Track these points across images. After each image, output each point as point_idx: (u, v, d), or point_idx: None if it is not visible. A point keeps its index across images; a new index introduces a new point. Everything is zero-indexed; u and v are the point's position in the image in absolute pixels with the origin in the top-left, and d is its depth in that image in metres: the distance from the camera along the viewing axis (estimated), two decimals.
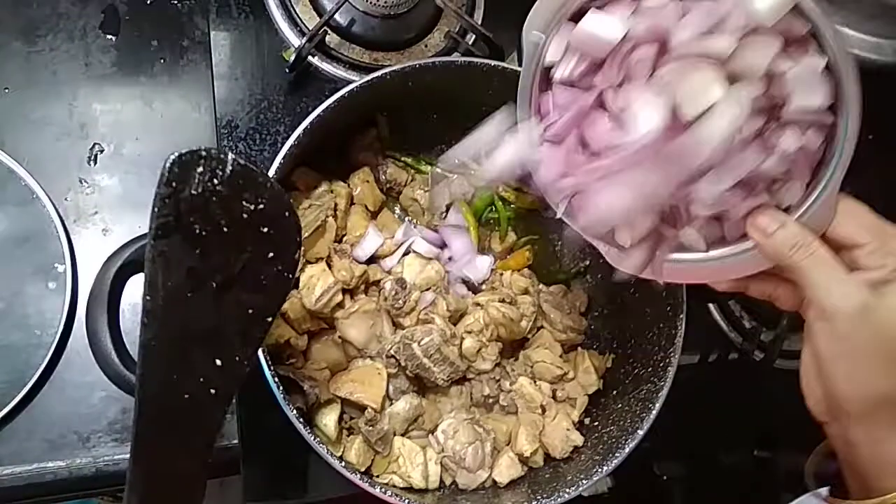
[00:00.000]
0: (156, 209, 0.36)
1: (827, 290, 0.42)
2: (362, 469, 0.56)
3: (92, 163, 0.69)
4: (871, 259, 0.42)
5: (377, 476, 0.57)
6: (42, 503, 0.63)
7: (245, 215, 0.37)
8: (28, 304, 0.63)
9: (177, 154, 0.36)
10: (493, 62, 0.60)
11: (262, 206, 0.37)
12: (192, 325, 0.37)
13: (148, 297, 0.36)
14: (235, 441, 0.62)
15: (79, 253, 0.65)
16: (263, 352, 0.49)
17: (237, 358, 0.38)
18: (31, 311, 0.63)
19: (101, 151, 0.69)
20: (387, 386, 0.57)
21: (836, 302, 0.41)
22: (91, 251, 0.66)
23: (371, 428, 0.55)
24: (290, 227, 0.39)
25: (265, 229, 0.38)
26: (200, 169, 0.36)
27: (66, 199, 0.67)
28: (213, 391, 0.38)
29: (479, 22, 0.76)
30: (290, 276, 0.40)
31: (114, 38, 0.72)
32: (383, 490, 0.50)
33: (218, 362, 0.38)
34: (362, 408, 0.56)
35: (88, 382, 0.63)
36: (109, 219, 0.67)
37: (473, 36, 0.75)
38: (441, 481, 0.59)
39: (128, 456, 0.60)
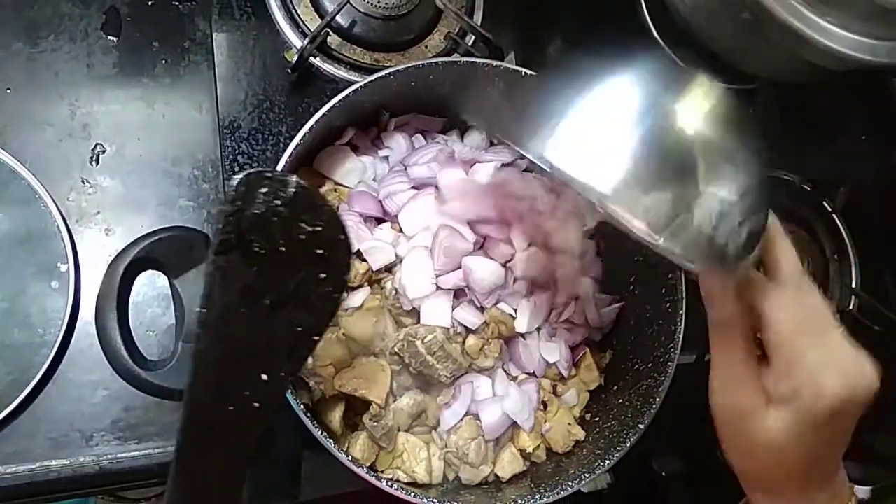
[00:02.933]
0: (219, 226, 0.37)
1: (717, 377, 0.44)
2: (367, 465, 0.56)
3: (94, 163, 0.69)
4: (775, 374, 0.42)
5: (382, 472, 0.58)
6: (45, 501, 0.63)
7: (302, 236, 0.38)
8: (31, 304, 0.63)
9: (243, 173, 0.36)
10: (494, 62, 0.61)
11: (318, 228, 0.38)
12: (243, 340, 0.38)
13: (204, 310, 0.37)
14: None
15: (81, 253, 0.65)
16: None
17: (282, 374, 0.40)
18: (34, 311, 0.63)
19: (104, 152, 0.69)
20: (391, 383, 0.58)
21: (716, 391, 0.44)
22: (94, 251, 0.66)
23: (376, 424, 0.56)
24: (344, 249, 0.40)
25: (320, 251, 0.39)
26: (265, 189, 0.37)
27: (68, 200, 0.67)
28: (256, 404, 0.39)
29: (479, 23, 0.77)
30: (340, 296, 0.41)
31: (115, 40, 0.72)
32: (389, 484, 0.51)
33: (264, 377, 0.39)
34: (367, 404, 0.57)
35: (91, 381, 0.63)
36: (112, 219, 0.67)
37: (473, 37, 0.76)
38: (444, 476, 0.59)
39: (130, 454, 0.62)
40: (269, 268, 0.38)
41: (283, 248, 0.38)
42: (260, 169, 0.37)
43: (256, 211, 0.36)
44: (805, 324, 0.42)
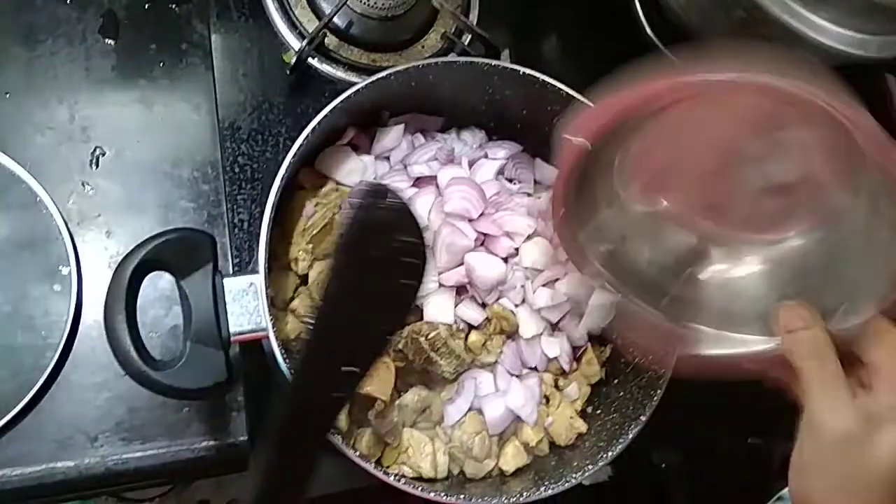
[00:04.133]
0: (346, 228, 0.42)
1: (820, 404, 0.42)
2: (373, 460, 0.57)
3: (94, 166, 0.69)
4: (882, 392, 0.41)
5: (387, 467, 0.59)
6: (51, 503, 0.63)
7: (398, 245, 0.41)
8: (34, 307, 0.63)
9: (368, 184, 0.44)
10: (493, 61, 0.61)
11: (412, 238, 0.42)
12: (342, 334, 0.42)
13: (321, 303, 0.41)
14: (244, 437, 0.63)
15: (83, 255, 0.65)
16: (279, 346, 0.51)
17: (359, 370, 0.42)
18: (37, 314, 0.63)
19: (103, 154, 0.69)
20: (395, 379, 0.58)
21: (824, 418, 0.41)
22: (95, 253, 0.66)
23: (381, 420, 0.57)
24: (425, 258, 0.43)
25: (408, 259, 0.42)
26: (384, 200, 0.41)
27: (68, 203, 0.67)
28: (336, 395, 0.42)
29: (475, 22, 0.78)
30: (413, 300, 0.46)
31: (113, 43, 0.72)
32: (396, 479, 0.52)
33: (348, 370, 0.42)
34: (372, 400, 0.57)
35: (95, 383, 0.63)
36: (113, 221, 0.68)
37: (469, 36, 0.76)
38: (449, 471, 0.60)
39: (136, 455, 0.63)
40: (372, 270, 0.42)
41: (384, 254, 0.41)
42: (379, 182, 0.45)
43: (374, 218, 0.41)
44: None
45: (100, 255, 0.66)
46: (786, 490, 0.69)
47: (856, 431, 0.40)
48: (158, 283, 0.65)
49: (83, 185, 0.68)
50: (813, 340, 0.43)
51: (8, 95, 0.68)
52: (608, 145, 0.48)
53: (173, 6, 0.74)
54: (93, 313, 0.64)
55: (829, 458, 0.42)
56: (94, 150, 0.69)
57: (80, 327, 0.63)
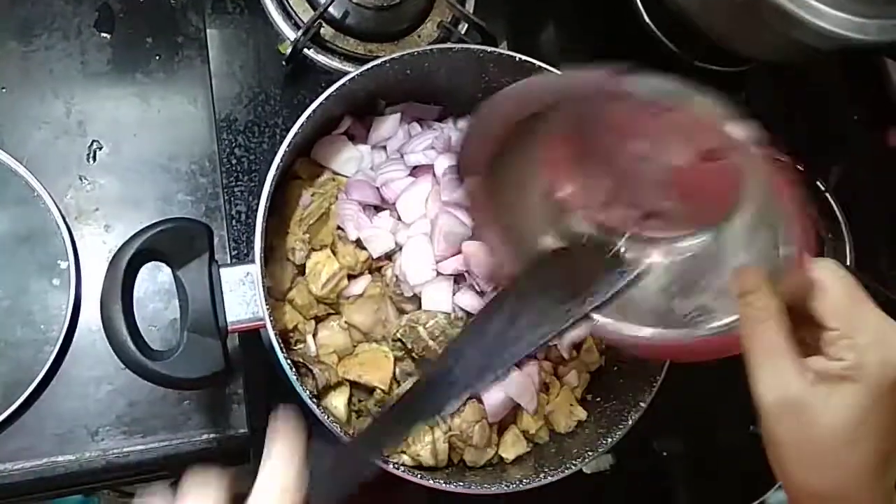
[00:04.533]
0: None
1: (759, 374, 0.39)
2: None
3: (91, 160, 0.69)
4: (831, 348, 0.38)
5: (387, 455, 0.58)
6: (53, 496, 0.64)
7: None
8: (32, 302, 0.63)
9: None
10: (488, 49, 0.61)
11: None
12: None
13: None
14: (244, 430, 0.63)
15: (81, 249, 0.65)
16: (276, 337, 0.51)
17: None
18: (36, 308, 0.63)
19: (100, 149, 0.69)
20: (394, 368, 0.58)
21: (762, 391, 0.38)
22: (93, 247, 0.66)
23: (380, 409, 0.57)
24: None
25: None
26: None
27: (66, 197, 0.67)
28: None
29: (471, 11, 0.77)
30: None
31: (109, 36, 0.72)
32: (396, 467, 0.51)
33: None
34: (371, 390, 0.57)
35: (95, 377, 0.63)
36: (110, 215, 0.68)
37: (466, 25, 0.76)
38: (449, 459, 0.60)
39: (136, 448, 0.63)
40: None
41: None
42: None
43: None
44: (856, 288, 0.39)
45: (98, 249, 0.66)
46: None
47: (799, 398, 0.37)
48: (158, 276, 0.65)
49: (81, 179, 0.68)
50: (756, 304, 0.40)
51: (4, 90, 0.68)
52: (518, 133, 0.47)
53: None
54: (92, 307, 0.64)
55: (779, 429, 0.38)
56: (91, 144, 0.69)
57: (80, 321, 0.63)
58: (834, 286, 0.39)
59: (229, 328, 0.51)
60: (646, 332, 0.50)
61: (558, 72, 0.61)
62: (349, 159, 0.64)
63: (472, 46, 0.62)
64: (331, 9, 0.72)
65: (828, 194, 0.88)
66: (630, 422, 0.57)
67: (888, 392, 0.37)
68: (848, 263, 0.88)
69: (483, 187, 0.49)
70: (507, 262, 0.53)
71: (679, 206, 0.49)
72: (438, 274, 0.59)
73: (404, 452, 0.58)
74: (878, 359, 0.37)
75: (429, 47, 0.61)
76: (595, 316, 0.51)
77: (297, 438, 0.36)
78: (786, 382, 0.38)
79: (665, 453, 0.78)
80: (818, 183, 0.88)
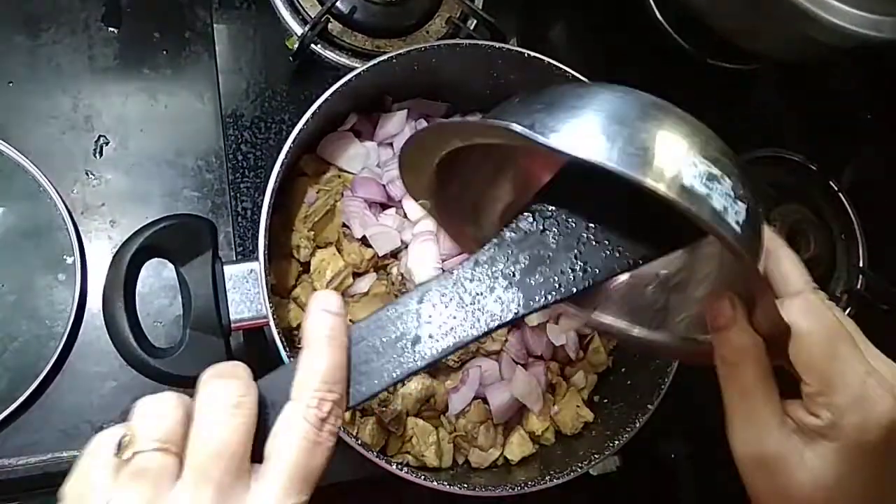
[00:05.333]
0: None
1: (734, 424, 0.36)
2: (377, 449, 0.56)
3: (97, 155, 0.69)
4: (808, 402, 0.35)
5: (391, 456, 0.58)
6: (57, 492, 0.63)
7: None
8: (38, 296, 0.63)
9: None
10: (497, 44, 0.60)
11: None
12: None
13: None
14: None
15: (87, 245, 0.65)
16: (280, 335, 0.50)
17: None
18: (42, 303, 0.63)
19: (107, 144, 0.69)
20: None
21: (736, 444, 0.36)
22: (99, 243, 0.66)
23: (385, 409, 0.56)
24: None
25: None
26: None
27: (73, 192, 0.67)
28: None
29: (481, 7, 0.76)
30: None
31: (116, 31, 0.72)
32: (399, 468, 0.51)
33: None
34: None
35: (100, 373, 0.63)
36: (116, 210, 0.67)
37: (475, 21, 0.75)
38: (454, 460, 0.59)
39: None
40: None
41: None
42: None
43: None
44: (837, 334, 0.35)
45: (104, 245, 0.66)
46: None
47: (774, 452, 0.35)
48: (163, 273, 0.65)
49: (87, 174, 0.68)
50: (732, 340, 0.36)
51: (11, 84, 0.68)
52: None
53: None
54: (97, 303, 0.63)
55: (755, 482, 0.36)
56: (98, 139, 0.69)
57: (85, 316, 0.63)
58: (811, 333, 0.35)
59: (233, 326, 0.50)
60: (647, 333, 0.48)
61: (583, 78, 0.60)
62: (355, 156, 0.63)
63: (481, 42, 0.61)
64: (339, 4, 0.71)
65: (841, 194, 0.87)
66: (637, 424, 0.57)
67: (868, 453, 0.34)
68: (861, 263, 0.87)
69: (438, 208, 0.46)
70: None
71: None
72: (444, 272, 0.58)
73: (409, 453, 0.58)
74: (856, 420, 0.34)
75: (436, 43, 0.60)
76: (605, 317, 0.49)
77: (339, 322, 0.32)
78: (761, 436, 0.35)
79: (672, 456, 0.77)
80: (831, 182, 0.87)
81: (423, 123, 0.67)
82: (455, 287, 0.35)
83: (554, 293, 0.35)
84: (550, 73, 0.60)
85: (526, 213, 0.37)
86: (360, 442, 0.50)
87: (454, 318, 0.34)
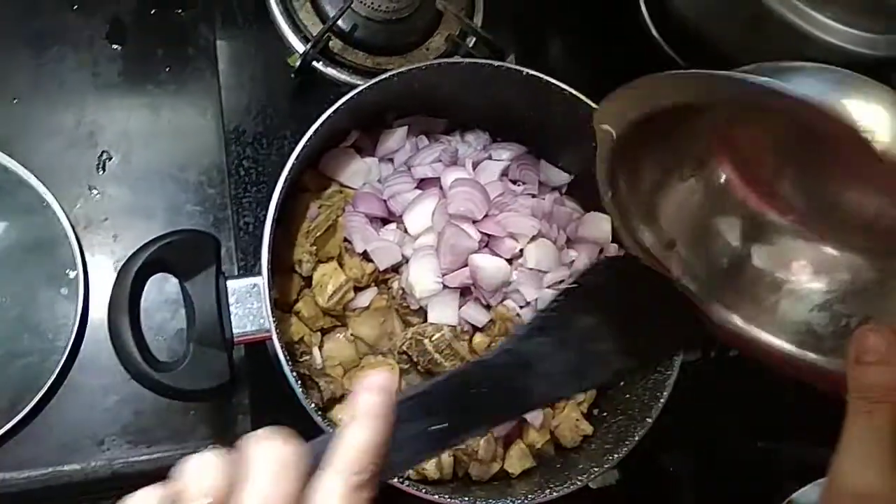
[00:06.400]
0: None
1: (843, 456, 0.35)
2: None
3: (101, 170, 0.69)
4: None
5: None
6: None
7: None
8: (41, 311, 0.64)
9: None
10: (496, 63, 0.61)
11: None
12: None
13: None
14: None
15: (90, 259, 0.66)
16: (282, 349, 0.51)
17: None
18: (45, 317, 0.63)
19: (110, 159, 0.70)
20: (399, 381, 0.58)
21: (839, 475, 0.35)
22: (102, 257, 0.67)
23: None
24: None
25: None
26: None
27: (76, 207, 0.68)
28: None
29: (479, 25, 0.78)
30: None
31: (120, 48, 0.73)
32: (401, 481, 0.51)
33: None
34: None
35: (102, 386, 0.63)
36: (119, 225, 0.68)
37: (474, 38, 0.76)
38: (454, 473, 0.60)
39: (142, 458, 0.63)
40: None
41: None
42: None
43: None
44: None
45: (107, 259, 0.67)
46: (795, 494, 0.68)
47: (877, 495, 0.33)
48: (165, 287, 0.66)
49: (90, 189, 0.69)
50: (871, 379, 0.34)
51: (16, 101, 0.69)
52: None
53: (179, 11, 0.75)
54: (100, 316, 0.64)
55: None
56: (101, 154, 0.70)
57: (87, 330, 0.64)
58: None
59: (235, 340, 0.51)
60: (785, 346, 0.46)
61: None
62: (356, 172, 0.64)
63: (480, 60, 0.62)
64: (340, 22, 0.72)
65: None
66: (637, 437, 0.57)
67: None
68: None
69: (615, 147, 0.46)
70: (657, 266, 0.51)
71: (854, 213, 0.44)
72: (445, 287, 0.59)
73: None
74: None
75: (436, 61, 0.61)
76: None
77: (387, 395, 0.32)
78: (872, 478, 0.34)
79: (672, 469, 0.77)
80: None
81: (423, 140, 0.67)
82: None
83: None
84: (548, 90, 0.62)
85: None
86: None
87: None
